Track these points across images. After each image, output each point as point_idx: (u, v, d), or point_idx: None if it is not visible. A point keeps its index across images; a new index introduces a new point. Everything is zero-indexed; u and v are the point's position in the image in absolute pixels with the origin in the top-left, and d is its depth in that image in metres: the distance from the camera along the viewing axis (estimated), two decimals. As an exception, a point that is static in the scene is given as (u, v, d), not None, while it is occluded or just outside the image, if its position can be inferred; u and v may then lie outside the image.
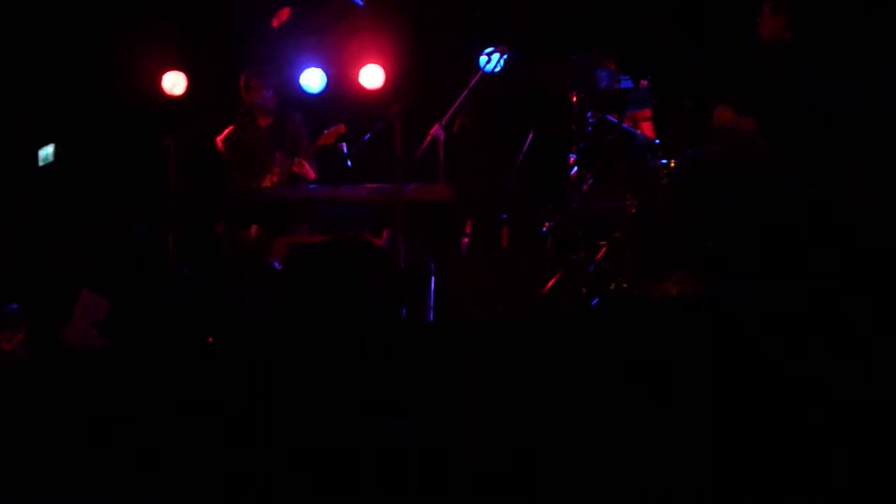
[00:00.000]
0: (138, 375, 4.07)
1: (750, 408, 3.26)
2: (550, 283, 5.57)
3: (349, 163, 5.93)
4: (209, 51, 7.18)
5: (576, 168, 5.57)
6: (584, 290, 5.34)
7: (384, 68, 7.15)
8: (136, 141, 6.79)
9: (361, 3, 6.91)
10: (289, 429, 3.70)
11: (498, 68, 5.61)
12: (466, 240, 5.84)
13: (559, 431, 3.46)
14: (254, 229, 6.01)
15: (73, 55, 7.07)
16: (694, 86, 5.50)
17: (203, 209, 6.01)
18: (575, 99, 5.59)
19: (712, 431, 3.28)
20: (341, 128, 6.04)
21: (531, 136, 5.75)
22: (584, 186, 5.52)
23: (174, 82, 7.25)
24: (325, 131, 6.08)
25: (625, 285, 5.24)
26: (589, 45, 5.78)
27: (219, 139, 6.35)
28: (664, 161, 5.38)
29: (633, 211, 5.38)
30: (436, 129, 5.58)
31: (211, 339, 5.15)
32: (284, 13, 6.79)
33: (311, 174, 6.15)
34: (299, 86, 7.17)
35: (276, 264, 5.64)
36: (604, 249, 5.48)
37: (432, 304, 5.50)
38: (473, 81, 5.62)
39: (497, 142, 6.19)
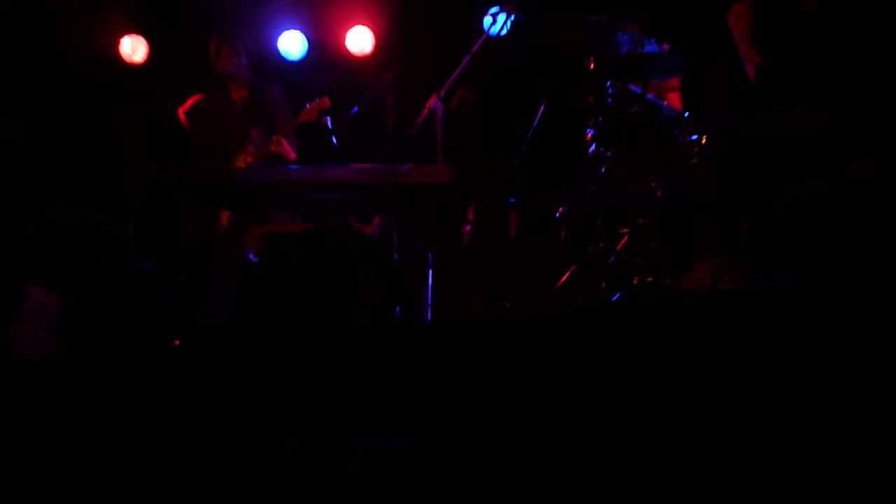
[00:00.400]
0: (103, 389, 4.05)
1: (797, 424, 3.26)
2: (565, 277, 5.56)
3: (334, 140, 5.93)
4: (174, 12, 7.13)
5: (593, 145, 5.54)
6: (603, 284, 5.32)
7: (374, 31, 7.15)
8: (90, 115, 6.74)
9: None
10: (263, 445, 3.68)
11: (504, 31, 5.54)
12: (468, 228, 5.87)
13: (576, 447, 3.44)
14: (225, 217, 6.03)
15: (13, 17, 7.01)
16: (727, 50, 5.46)
17: (167, 193, 6.04)
18: (592, 66, 5.55)
19: (753, 449, 3.26)
20: (325, 101, 6.08)
21: (542, 108, 5.76)
22: (603, 166, 5.48)
23: (133, 48, 7.22)
24: (307, 105, 6.11)
25: (650, 279, 5.22)
26: (608, 3, 5.75)
27: (181, 110, 6.33)
28: (694, 136, 5.34)
29: (659, 194, 5.34)
30: (433, 102, 5.53)
31: (177, 342, 5.12)
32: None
33: (292, 154, 6.28)
34: (277, 52, 7.18)
35: (251, 257, 5.62)
36: (625, 238, 5.45)
37: (430, 302, 5.51)
38: (476, 46, 5.55)
39: (503, 116, 6.16)
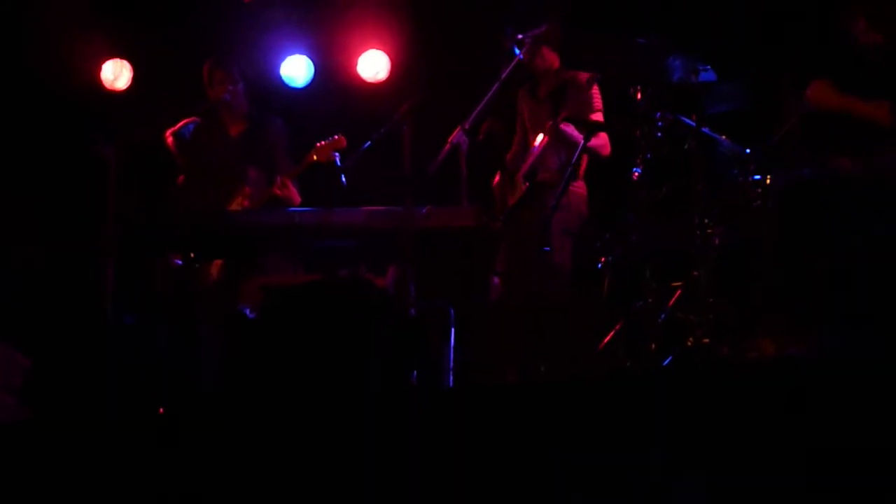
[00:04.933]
0: (71, 464, 4.02)
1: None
2: (608, 338, 5.58)
3: (343, 179, 5.94)
4: (162, 33, 7.18)
5: (641, 185, 5.55)
6: (652, 346, 5.34)
7: (389, 55, 7.15)
8: (67, 147, 6.87)
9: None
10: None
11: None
12: (497, 280, 5.86)
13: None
14: (217, 266, 6.01)
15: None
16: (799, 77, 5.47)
17: (151, 237, 5.95)
18: (640, 95, 5.58)
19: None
20: (341, 140, 6.06)
21: (582, 144, 5.68)
22: (653, 210, 5.51)
23: (116, 73, 7.26)
24: (319, 143, 6.09)
25: (706, 341, 5.22)
26: (659, 25, 5.78)
27: (170, 132, 6.32)
28: (757, 176, 5.35)
29: (717, 242, 5.34)
30: (457, 136, 5.55)
31: (162, 411, 5.17)
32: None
33: (296, 197, 6.19)
34: (279, 79, 7.20)
35: (248, 312, 5.60)
36: (678, 293, 5.48)
37: (452, 365, 5.49)
38: (506, 73, 5.58)
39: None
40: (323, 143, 6.08)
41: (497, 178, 6.10)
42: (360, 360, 4.79)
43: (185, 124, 6.36)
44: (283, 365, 4.80)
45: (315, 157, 6.09)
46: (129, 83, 7.31)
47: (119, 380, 5.58)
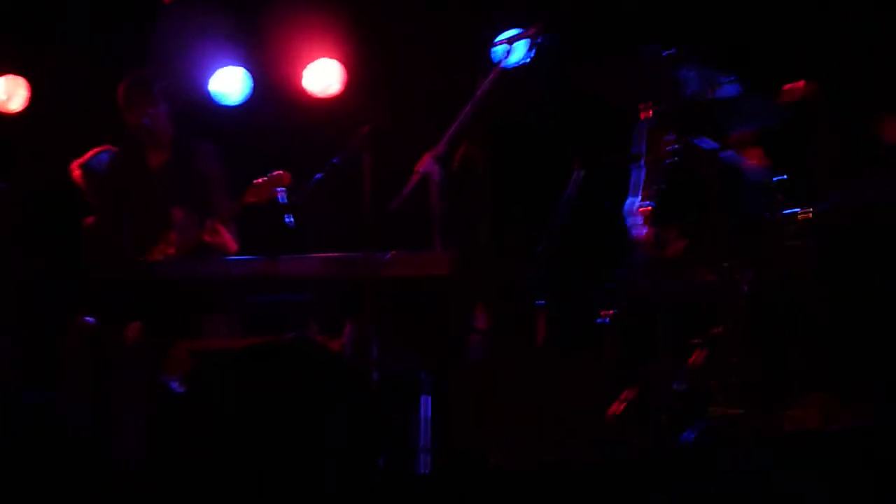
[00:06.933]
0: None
1: None
2: (614, 409, 5.46)
3: (290, 219, 5.92)
4: (65, 44, 7.18)
5: (651, 223, 5.50)
6: (666, 418, 5.28)
7: (343, 65, 7.18)
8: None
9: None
10: None
11: (525, 61, 5.53)
12: (478, 339, 5.76)
13: None
14: (135, 328, 5.89)
15: None
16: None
17: (55, 293, 6.02)
18: (649, 113, 5.56)
19: None
20: (285, 176, 6.03)
21: (578, 173, 5.73)
22: (666, 251, 5.46)
23: (9, 92, 7.27)
24: (258, 181, 6.05)
25: (732, 412, 5.16)
26: (669, 29, 5.85)
27: (77, 164, 6.28)
28: (792, 210, 5.34)
29: (744, 290, 5.29)
30: (426, 164, 5.53)
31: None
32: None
33: (232, 244, 6.17)
34: (209, 95, 7.22)
35: (174, 384, 5.56)
36: (699, 353, 5.38)
37: (426, 444, 5.45)
38: (484, 87, 5.52)
39: (523, 183, 6.26)
40: (261, 180, 6.04)
41: None
42: (312, 445, 4.80)
43: (96, 154, 6.35)
44: (214, 453, 4.78)
45: (253, 199, 6.07)
46: (24, 104, 7.32)
47: (14, 467, 5.55)
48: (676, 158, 5.46)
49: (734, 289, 5.30)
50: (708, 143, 5.46)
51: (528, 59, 5.55)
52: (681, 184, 5.45)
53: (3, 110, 7.32)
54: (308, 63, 7.24)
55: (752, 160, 5.79)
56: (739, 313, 5.28)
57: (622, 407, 5.48)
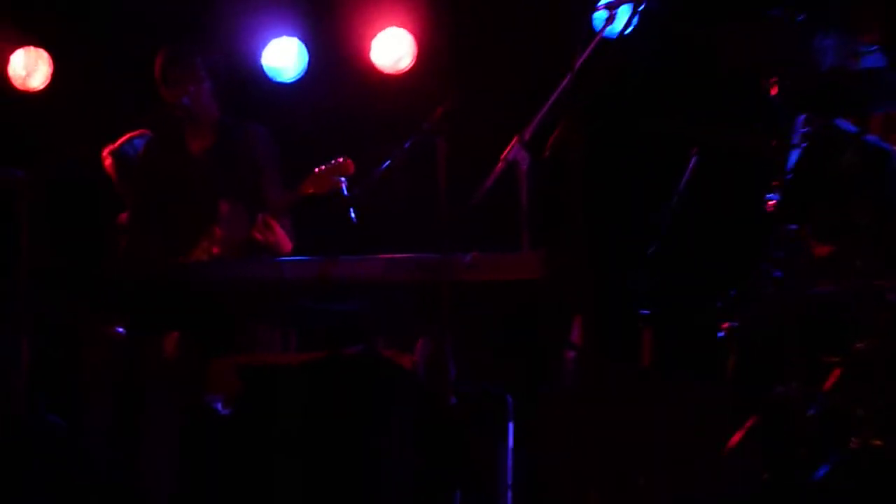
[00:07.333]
0: None
1: None
2: (737, 439, 5.43)
3: (353, 215, 5.93)
4: (95, 13, 7.20)
5: (780, 219, 5.48)
6: (801, 450, 5.20)
7: (415, 36, 7.22)
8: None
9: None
10: None
11: (628, 30, 5.28)
12: (573, 355, 5.60)
13: None
14: (174, 339, 5.86)
15: None
16: None
17: (82, 298, 5.99)
18: (776, 90, 5.44)
19: None
20: (348, 164, 6.00)
21: (693, 161, 5.70)
22: (797, 255, 5.42)
23: (29, 67, 7.34)
24: (318, 169, 6.02)
25: (878, 442, 5.12)
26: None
27: (107, 151, 6.33)
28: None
29: (892, 299, 5.26)
30: (513, 151, 5.45)
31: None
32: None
33: (286, 242, 6.10)
34: (260, 70, 7.29)
35: (218, 405, 5.52)
36: (837, 373, 5.33)
37: (511, 480, 5.38)
38: (581, 58, 5.25)
39: (629, 172, 6.20)
40: (322, 168, 5.92)
41: None
42: (377, 478, 4.85)
43: (130, 139, 6.39)
44: (261, 485, 4.87)
45: (311, 190, 5.93)
46: (47, 81, 7.38)
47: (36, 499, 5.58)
48: (810, 143, 5.44)
49: (879, 297, 5.27)
50: (848, 126, 5.42)
51: (634, 27, 5.25)
52: (816, 172, 5.41)
53: (23, 88, 7.45)
54: (375, 33, 7.17)
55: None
56: (886, 326, 5.25)
57: (745, 438, 5.45)
